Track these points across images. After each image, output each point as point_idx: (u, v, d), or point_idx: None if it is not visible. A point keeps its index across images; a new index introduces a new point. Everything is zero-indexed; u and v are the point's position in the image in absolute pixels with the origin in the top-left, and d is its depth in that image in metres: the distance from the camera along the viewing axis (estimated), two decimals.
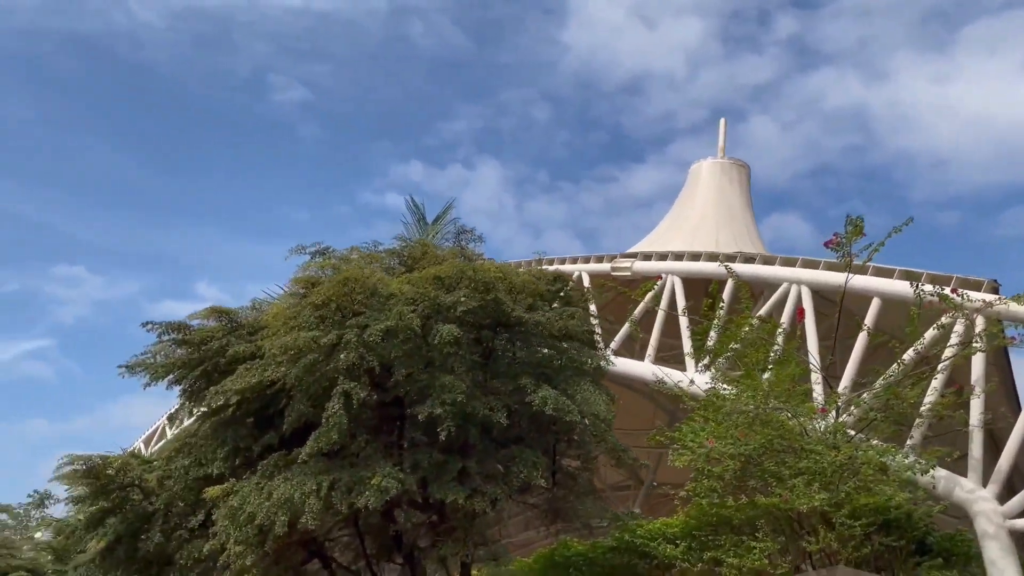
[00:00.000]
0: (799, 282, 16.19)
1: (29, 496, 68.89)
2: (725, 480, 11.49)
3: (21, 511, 67.71)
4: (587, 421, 10.87)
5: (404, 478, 9.06)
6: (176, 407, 37.57)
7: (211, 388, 9.76)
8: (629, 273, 19.60)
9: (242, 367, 9.54)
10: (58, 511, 26.17)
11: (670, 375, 16.08)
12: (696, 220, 32.04)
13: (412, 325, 9.07)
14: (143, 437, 39.80)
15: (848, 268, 10.60)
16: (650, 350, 18.13)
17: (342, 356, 8.92)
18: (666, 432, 13.20)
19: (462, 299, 9.54)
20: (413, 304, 9.30)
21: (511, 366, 10.42)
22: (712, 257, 18.20)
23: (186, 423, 31.74)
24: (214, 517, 10.02)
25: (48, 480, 10.27)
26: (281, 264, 10.75)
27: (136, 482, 10.88)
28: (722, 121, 35.52)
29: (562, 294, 11.76)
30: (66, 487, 27.33)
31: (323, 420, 8.80)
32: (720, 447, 11.11)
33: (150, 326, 10.33)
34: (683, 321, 16.71)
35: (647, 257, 20.52)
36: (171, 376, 11.00)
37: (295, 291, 10.40)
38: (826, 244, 10.48)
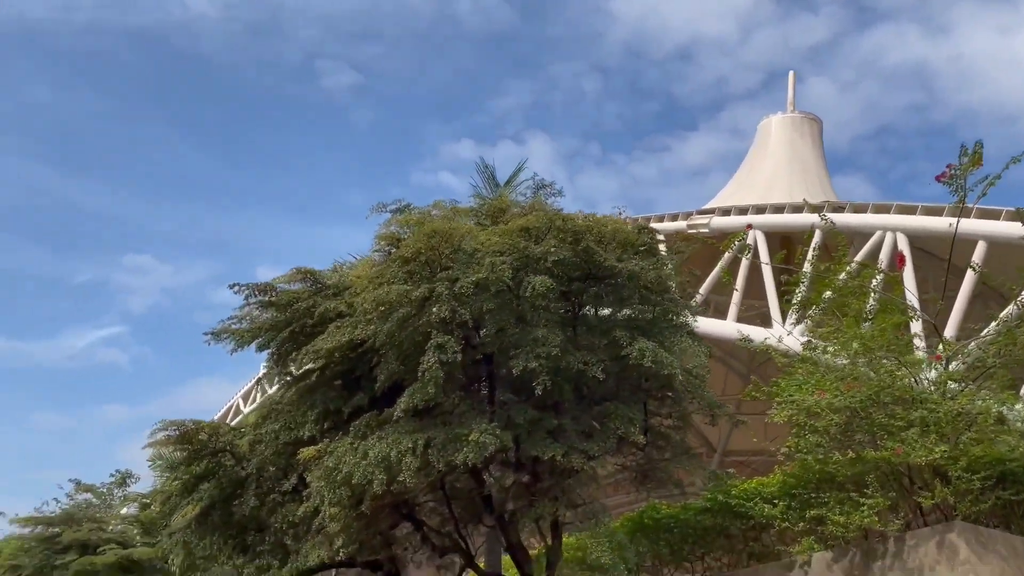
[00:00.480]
0: (895, 229, 15.34)
1: (111, 476, 71.70)
2: (830, 434, 10.97)
3: (104, 490, 70.66)
4: (680, 376, 10.44)
5: (500, 434, 8.78)
6: (252, 382, 38.18)
7: (303, 348, 9.61)
8: (707, 230, 18.95)
9: (332, 325, 9.37)
10: (140, 487, 26.90)
11: (755, 333, 15.54)
12: (767, 177, 31.00)
13: (504, 277, 8.73)
14: (218, 415, 40.75)
15: (962, 203, 9.81)
16: (732, 308, 17.52)
17: (434, 310, 8.65)
18: (763, 388, 12.68)
19: (552, 249, 9.16)
20: (501, 256, 8.96)
21: (602, 319, 10.02)
22: (796, 209, 17.45)
23: (270, 390, 32.21)
24: (307, 480, 9.93)
25: (142, 447, 10.48)
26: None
27: (227, 447, 10.89)
28: (791, 75, 34.18)
29: (646, 247, 11.28)
30: (149, 463, 28.00)
31: (419, 374, 8.56)
32: (826, 399, 10.58)
33: (237, 287, 10.24)
34: (768, 277, 16.07)
35: (726, 212, 19.82)
36: (257, 340, 10.93)
37: (380, 248, 10.16)
38: (938, 178, 9.72)
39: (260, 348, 11.12)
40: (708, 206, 25.06)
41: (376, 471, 8.67)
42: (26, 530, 24.07)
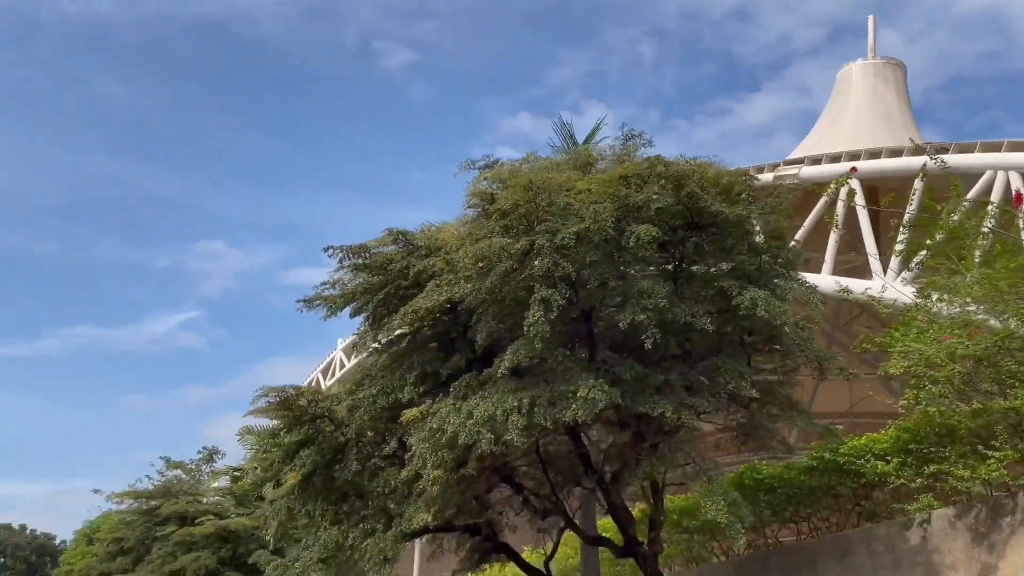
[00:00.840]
0: (1007, 167, 14.33)
1: (198, 452, 74.27)
2: (953, 385, 10.32)
3: (193, 466, 73.24)
4: (787, 328, 9.93)
5: (608, 390, 8.46)
6: (330, 357, 38.49)
7: (400, 309, 9.44)
8: (796, 180, 18.12)
9: (431, 284, 9.16)
10: (225, 462, 27.57)
11: (854, 285, 14.80)
12: (850, 127, 29.65)
13: (607, 226, 8.35)
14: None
15: None
16: (828, 261, 16.77)
17: (535, 263, 8.34)
18: (873, 339, 12.05)
19: (654, 196, 8.72)
20: (603, 204, 8.56)
21: (706, 269, 9.57)
22: (895, 152, 16.49)
23: (350, 363, 32.51)
24: (408, 443, 9.82)
25: (243, 415, 10.63)
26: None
27: (326, 413, 10.86)
28: (871, 20, 32.50)
29: (747, 194, 10.72)
30: (238, 436, 28.59)
31: (525, 330, 8.28)
32: (948, 345, 9.94)
33: (331, 251, 10.12)
34: (865, 224, 15.25)
35: (816, 161, 18.92)
36: (351, 305, 10.83)
37: (473, 205, 9.88)
38: None
39: (353, 313, 11.02)
40: (792, 157, 24.12)
41: (483, 431, 8.47)
42: (122, 506, 24.96)
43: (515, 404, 8.53)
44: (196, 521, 20.69)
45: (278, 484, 25.09)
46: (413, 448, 9.53)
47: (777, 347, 10.47)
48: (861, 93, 30.58)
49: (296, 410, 10.67)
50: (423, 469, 9.35)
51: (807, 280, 10.55)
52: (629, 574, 16.23)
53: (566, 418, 8.34)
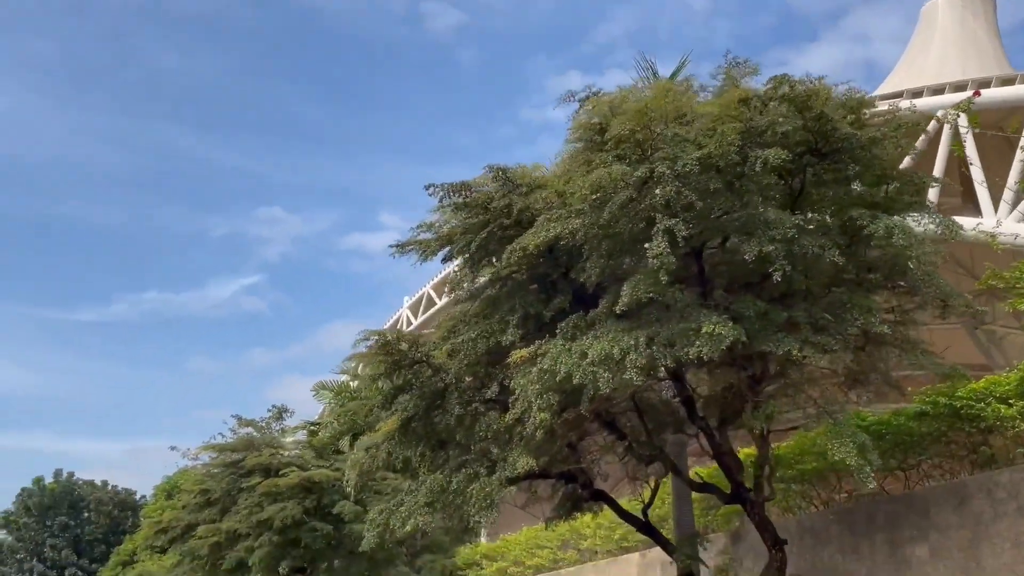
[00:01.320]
0: None
1: (268, 411, 75.87)
2: None
3: (263, 424, 75.00)
4: (911, 264, 9.27)
5: (734, 327, 7.98)
6: (419, 294, 38.16)
7: (506, 247, 9.06)
8: (913, 110, 17.01)
9: (541, 219, 8.73)
10: (293, 421, 27.89)
11: (965, 223, 13.93)
12: (936, 63, 28.06)
13: (732, 151, 7.80)
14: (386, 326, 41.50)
15: None
16: (932, 197, 15.81)
17: (657, 192, 7.83)
18: (1001, 274, 11.32)
19: (780, 119, 8.11)
20: (724, 126, 7.97)
21: (832, 198, 8.95)
22: (1006, 81, 15.35)
23: (440, 302, 32.33)
24: (511, 387, 9.53)
25: (343, 360, 10.52)
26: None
27: (425, 358, 10.63)
28: None
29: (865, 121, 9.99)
30: (313, 392, 28.83)
31: (650, 261, 7.81)
32: None
33: (432, 189, 9.77)
34: (974, 159, 14.28)
35: (916, 94, 17.82)
36: (446, 249, 10.53)
37: (580, 138, 9.37)
38: None
39: (449, 257, 10.72)
40: (880, 93, 22.89)
41: (599, 371, 8.10)
42: (198, 462, 25.37)
43: (632, 343, 8.12)
44: (280, 473, 20.93)
45: (355, 438, 25.36)
46: (517, 391, 9.22)
47: (900, 283, 9.82)
48: (947, 27, 28.86)
49: (396, 355, 10.45)
50: (528, 412, 9.05)
51: (933, 213, 9.85)
52: (721, 523, 15.91)
53: (690, 356, 7.90)
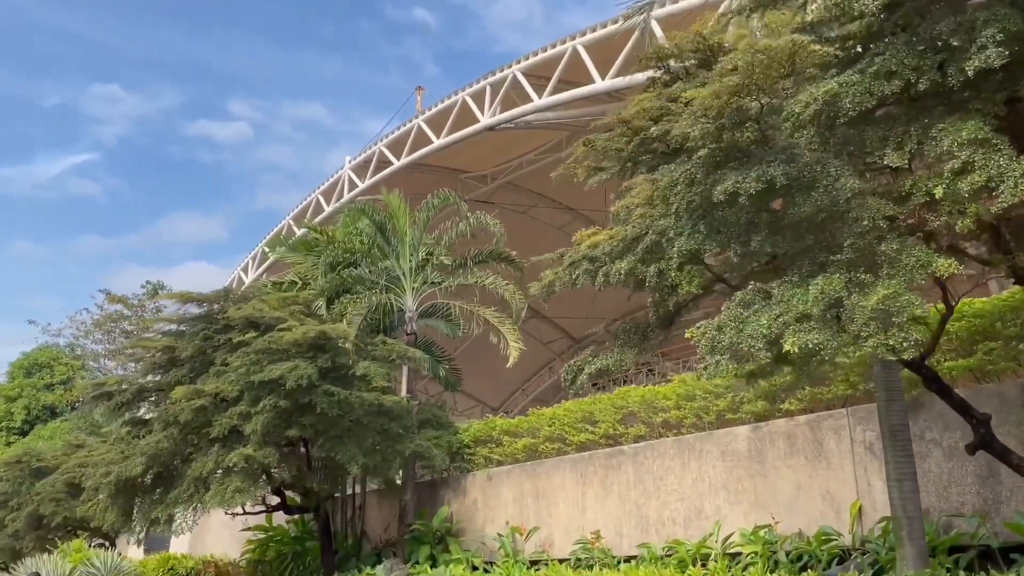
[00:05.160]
0: None
1: (142, 287, 69.02)
2: None
3: (136, 302, 68.24)
4: None
5: None
6: (345, 169, 34.00)
7: None
8: None
9: None
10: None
11: None
12: None
13: None
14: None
15: None
16: None
17: None
18: None
19: None
20: None
21: None
22: None
23: (399, 165, 27.80)
24: None
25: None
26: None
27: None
28: None
29: None
30: (267, 249, 24.46)
31: None
32: None
33: None
34: None
35: None
36: None
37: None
38: None
39: None
40: None
41: None
42: (60, 338, 20.66)
43: None
44: (277, 329, 17.27)
45: (330, 302, 21.76)
46: None
47: None
48: None
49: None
50: None
51: None
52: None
53: None
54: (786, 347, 6.10)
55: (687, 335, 7.03)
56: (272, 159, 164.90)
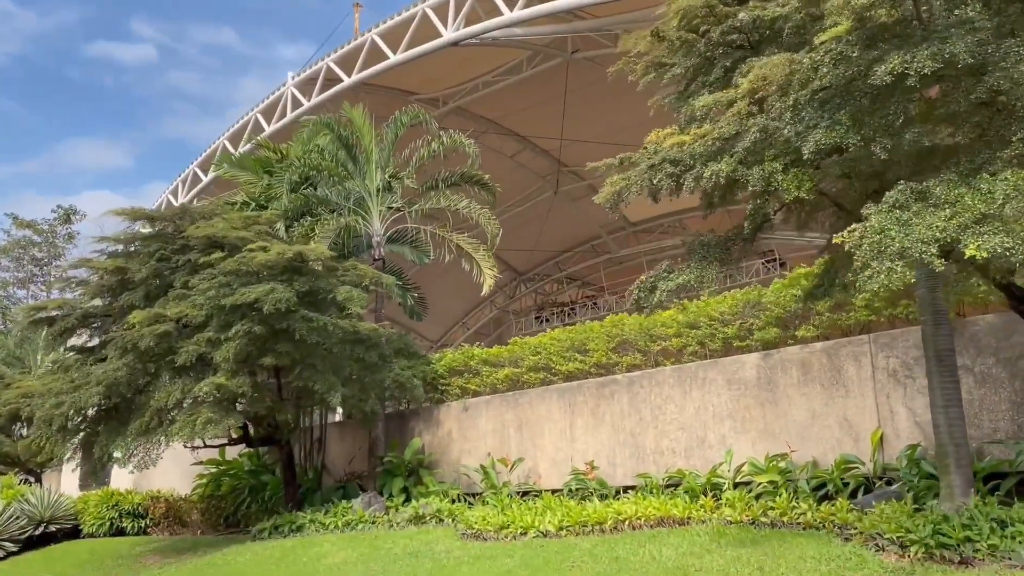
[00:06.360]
0: None
1: (52, 212, 64.39)
2: None
3: (47, 227, 63.58)
4: None
5: None
6: (279, 92, 31.43)
7: None
8: None
9: None
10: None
11: None
12: None
13: None
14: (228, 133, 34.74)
15: None
16: None
17: None
18: None
19: None
20: None
21: None
22: None
23: (350, 82, 26.01)
24: None
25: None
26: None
27: None
28: None
29: None
30: (215, 166, 22.72)
31: None
32: None
33: None
34: None
35: None
36: None
37: None
38: None
39: None
40: None
41: None
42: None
43: None
44: (247, 249, 15.81)
45: (289, 226, 20.24)
46: None
47: None
48: None
49: None
50: None
51: None
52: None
53: None
54: (969, 251, 5.49)
55: (835, 239, 6.33)
56: (179, 85, 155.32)
